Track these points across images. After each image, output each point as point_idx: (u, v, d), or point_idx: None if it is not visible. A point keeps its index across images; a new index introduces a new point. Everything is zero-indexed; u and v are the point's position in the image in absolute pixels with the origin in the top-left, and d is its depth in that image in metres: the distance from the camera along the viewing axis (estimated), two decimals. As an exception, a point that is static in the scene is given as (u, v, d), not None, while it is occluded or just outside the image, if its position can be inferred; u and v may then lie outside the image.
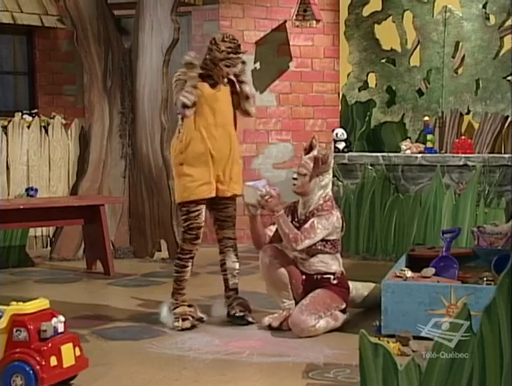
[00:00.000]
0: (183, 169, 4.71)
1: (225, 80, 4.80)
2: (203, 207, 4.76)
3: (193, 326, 4.68)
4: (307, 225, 4.62)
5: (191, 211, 4.71)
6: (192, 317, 4.72)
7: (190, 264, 4.81)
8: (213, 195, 4.75)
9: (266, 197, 4.63)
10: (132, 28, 7.54)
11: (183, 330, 4.63)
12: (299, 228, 4.65)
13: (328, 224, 4.63)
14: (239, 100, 4.86)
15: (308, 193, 4.70)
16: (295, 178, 4.72)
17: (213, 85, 4.76)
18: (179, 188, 4.76)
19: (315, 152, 4.72)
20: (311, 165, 4.69)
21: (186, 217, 4.73)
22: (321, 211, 4.66)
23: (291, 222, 4.73)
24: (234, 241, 4.94)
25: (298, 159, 7.88)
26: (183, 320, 4.68)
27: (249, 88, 4.86)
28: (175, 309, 4.76)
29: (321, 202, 4.69)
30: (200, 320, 4.76)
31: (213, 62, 4.72)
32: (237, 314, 4.80)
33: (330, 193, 4.78)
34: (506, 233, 5.83)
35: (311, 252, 4.67)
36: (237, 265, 4.93)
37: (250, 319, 4.82)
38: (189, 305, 4.80)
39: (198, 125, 4.70)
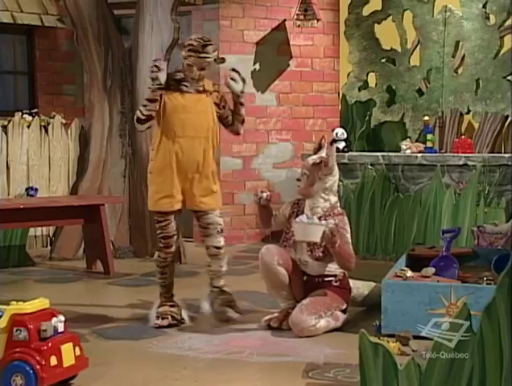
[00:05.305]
0: (151, 177, 4.74)
1: (202, 86, 4.71)
2: (171, 217, 4.73)
3: (170, 325, 4.71)
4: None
5: (160, 221, 4.74)
6: (173, 316, 4.75)
7: (168, 270, 4.82)
8: (177, 208, 4.73)
9: (335, 236, 4.43)
10: (132, 28, 7.53)
11: (160, 327, 4.68)
12: None
13: (348, 227, 4.65)
14: (225, 116, 4.83)
15: (313, 195, 4.68)
16: (298, 179, 4.72)
17: (186, 94, 4.67)
18: (148, 196, 4.80)
19: (323, 153, 4.72)
20: (312, 165, 4.68)
21: (157, 226, 4.77)
22: (333, 215, 4.60)
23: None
24: (219, 251, 4.83)
25: (298, 159, 7.93)
26: (162, 319, 4.72)
27: (244, 111, 4.84)
28: (158, 307, 4.82)
29: (330, 207, 4.66)
30: (180, 321, 4.77)
31: (187, 64, 4.64)
32: (218, 310, 4.81)
33: (336, 198, 4.73)
34: (506, 233, 5.83)
35: (317, 256, 4.66)
36: (222, 269, 4.87)
37: (231, 315, 4.81)
38: (172, 306, 4.81)
39: (165, 136, 4.66)
